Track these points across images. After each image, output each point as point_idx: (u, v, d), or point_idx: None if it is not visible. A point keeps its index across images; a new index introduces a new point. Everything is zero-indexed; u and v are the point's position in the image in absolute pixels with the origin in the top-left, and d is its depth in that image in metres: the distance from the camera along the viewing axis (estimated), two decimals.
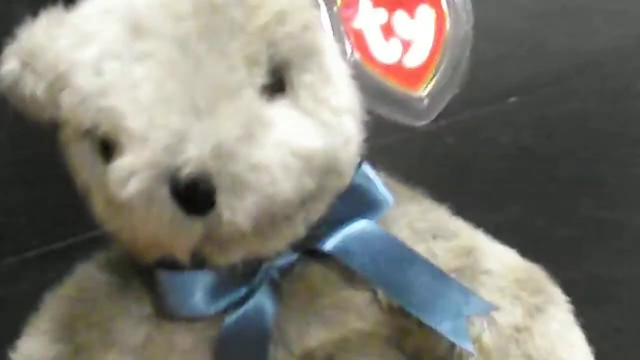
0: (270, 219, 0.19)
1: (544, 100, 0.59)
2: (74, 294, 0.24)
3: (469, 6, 0.23)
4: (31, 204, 0.53)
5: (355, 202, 0.22)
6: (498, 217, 0.45)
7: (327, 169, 0.20)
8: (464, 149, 0.49)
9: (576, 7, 0.69)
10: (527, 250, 0.25)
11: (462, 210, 0.25)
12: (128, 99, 0.19)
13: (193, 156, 0.18)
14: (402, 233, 0.24)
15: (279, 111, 0.20)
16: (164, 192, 0.18)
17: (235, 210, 0.18)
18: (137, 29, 0.20)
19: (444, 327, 0.22)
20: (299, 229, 0.21)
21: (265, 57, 0.20)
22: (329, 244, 0.22)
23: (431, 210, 0.25)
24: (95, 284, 0.24)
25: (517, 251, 0.25)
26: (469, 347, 0.22)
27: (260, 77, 0.19)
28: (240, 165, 0.18)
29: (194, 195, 0.18)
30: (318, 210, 0.21)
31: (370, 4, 0.22)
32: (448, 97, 0.23)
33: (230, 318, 0.21)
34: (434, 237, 0.24)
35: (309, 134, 0.20)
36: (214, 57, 0.19)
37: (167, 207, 0.18)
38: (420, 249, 0.23)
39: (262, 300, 0.21)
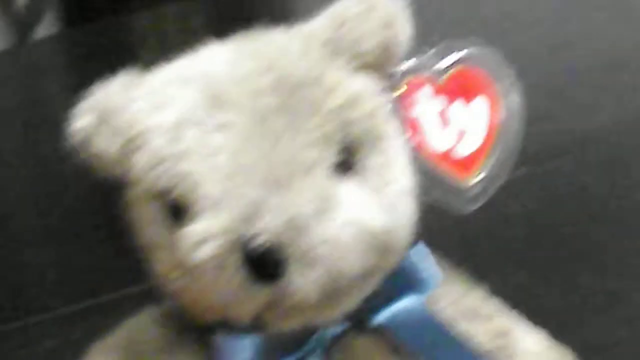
0: (334, 291, 0.20)
1: (552, 172, 0.61)
2: (124, 344, 0.25)
3: (520, 99, 0.24)
4: (60, 263, 0.54)
5: (407, 279, 0.23)
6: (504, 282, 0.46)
7: (387, 246, 0.21)
8: (474, 218, 0.50)
9: (583, 83, 0.72)
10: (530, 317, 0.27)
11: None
12: (206, 166, 0.20)
13: (268, 226, 0.19)
14: (444, 312, 0.25)
15: (348, 189, 0.21)
16: (237, 258, 0.19)
17: (305, 281, 0.19)
18: (217, 99, 0.21)
19: None
20: (356, 301, 0.22)
21: (338, 137, 0.21)
22: (379, 318, 0.23)
23: (471, 291, 0.26)
24: (146, 336, 0.24)
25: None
26: None
27: (333, 156, 0.21)
28: (312, 239, 0.19)
29: (266, 263, 0.19)
30: (373, 284, 0.22)
31: (430, 92, 0.24)
32: (497, 186, 0.24)
33: None
34: (473, 318, 0.25)
35: (375, 213, 0.21)
36: (290, 133, 0.20)
37: (237, 273, 0.19)
38: (459, 328, 0.24)
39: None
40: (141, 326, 0.25)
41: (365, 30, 0.22)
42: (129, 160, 0.22)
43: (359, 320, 0.23)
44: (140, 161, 0.21)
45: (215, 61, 0.23)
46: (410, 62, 0.24)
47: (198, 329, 0.23)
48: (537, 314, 0.27)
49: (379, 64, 0.23)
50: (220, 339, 0.22)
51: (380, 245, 0.21)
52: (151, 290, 0.24)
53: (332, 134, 0.21)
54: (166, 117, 0.21)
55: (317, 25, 0.23)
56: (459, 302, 0.25)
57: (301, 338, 0.22)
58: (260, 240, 0.19)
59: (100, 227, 0.52)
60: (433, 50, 0.24)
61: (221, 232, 0.19)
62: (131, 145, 0.22)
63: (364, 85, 0.22)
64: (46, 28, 1.08)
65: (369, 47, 0.22)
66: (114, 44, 0.87)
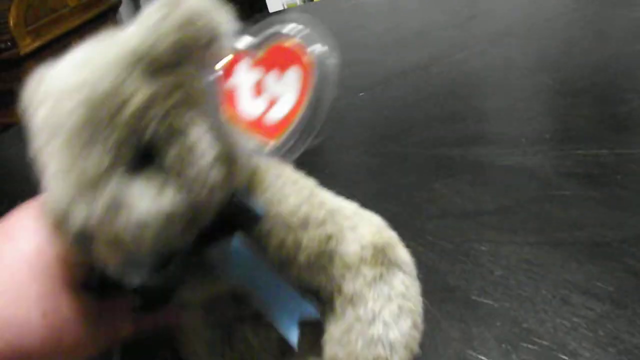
0: (137, 253, 0.25)
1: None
2: None
3: (335, 68, 0.26)
4: None
5: (235, 217, 0.28)
6: None
7: (193, 213, 0.26)
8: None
9: None
10: None
11: None
12: (48, 165, 0.25)
13: (74, 221, 0.24)
14: (277, 229, 0.29)
15: (142, 184, 0.25)
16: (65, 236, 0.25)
17: (105, 252, 0.25)
18: (53, 110, 0.25)
19: (279, 325, 0.29)
20: (188, 238, 0.26)
21: (132, 142, 0.24)
22: (210, 251, 0.28)
23: (308, 200, 0.30)
24: None
25: None
26: (294, 343, 0.29)
27: (128, 159, 0.24)
28: (103, 234, 0.24)
29: (79, 240, 0.25)
30: (204, 222, 0.26)
31: (248, 66, 0.25)
32: (305, 144, 0.26)
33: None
34: (306, 226, 0.29)
35: (170, 199, 0.25)
36: (91, 144, 0.24)
37: (70, 240, 0.25)
38: (289, 238, 0.29)
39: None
40: None
41: (159, 34, 0.24)
42: None
43: (197, 250, 0.27)
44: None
45: (64, 70, 0.26)
46: (230, 43, 0.25)
47: None
48: None
49: (184, 59, 0.25)
50: None
51: (181, 217, 0.25)
52: None
53: (124, 140, 0.24)
54: (37, 118, 0.26)
55: (127, 36, 0.25)
56: (291, 217, 0.29)
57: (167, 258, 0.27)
58: (71, 229, 0.24)
59: None
60: (253, 28, 0.25)
61: (49, 217, 0.25)
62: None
63: (158, 88, 0.24)
64: None
65: (162, 50, 0.24)
66: None
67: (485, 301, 0.39)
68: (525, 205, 0.47)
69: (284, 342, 0.31)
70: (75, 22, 2.52)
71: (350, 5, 1.28)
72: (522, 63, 0.75)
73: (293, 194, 0.30)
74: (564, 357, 0.34)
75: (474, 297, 0.39)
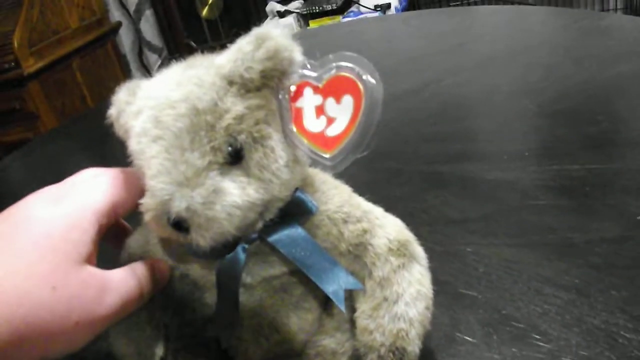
0: (221, 237, 0.31)
1: None
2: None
3: (381, 94, 0.32)
4: None
5: (296, 209, 0.34)
6: None
7: (271, 204, 0.33)
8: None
9: None
10: None
11: None
12: (149, 164, 0.31)
13: (174, 210, 0.30)
14: (322, 223, 0.36)
15: (233, 179, 0.31)
16: (165, 222, 0.31)
17: (198, 236, 0.31)
18: (156, 118, 0.31)
19: (328, 291, 0.34)
20: (258, 227, 0.33)
21: (225, 147, 0.31)
22: (274, 236, 0.34)
23: (348, 203, 0.37)
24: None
25: None
26: (342, 307, 0.34)
27: (221, 160, 0.31)
28: (201, 218, 0.30)
29: (178, 226, 0.30)
30: (271, 215, 0.33)
31: (311, 91, 0.32)
32: (354, 157, 0.33)
33: (223, 262, 0.34)
34: (345, 222, 0.36)
35: (253, 192, 0.31)
36: (192, 147, 0.30)
37: (168, 227, 0.31)
38: (333, 231, 0.36)
39: (238, 256, 0.34)
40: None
41: (252, 64, 0.31)
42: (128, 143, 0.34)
43: (262, 236, 0.34)
44: (129, 144, 0.33)
45: (161, 87, 0.32)
46: (300, 72, 0.32)
47: None
48: None
49: (267, 84, 0.32)
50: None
51: (259, 208, 0.32)
52: None
53: (220, 145, 0.31)
54: (137, 125, 0.32)
55: (222, 61, 0.32)
56: (335, 214, 0.36)
57: (233, 245, 0.33)
58: (171, 216, 0.30)
59: None
60: (316, 63, 0.32)
61: (151, 208, 0.31)
62: (125, 135, 0.34)
63: (249, 105, 0.31)
64: None
65: (254, 76, 0.31)
66: None
67: (470, 293, 0.45)
68: (505, 213, 0.54)
69: (319, 323, 0.38)
70: (77, 43, 2.58)
71: (345, 32, 1.36)
72: (506, 87, 0.83)
73: (336, 196, 0.36)
74: (536, 336, 0.40)
75: (460, 290, 0.46)
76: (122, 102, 0.35)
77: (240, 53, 0.31)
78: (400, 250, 0.36)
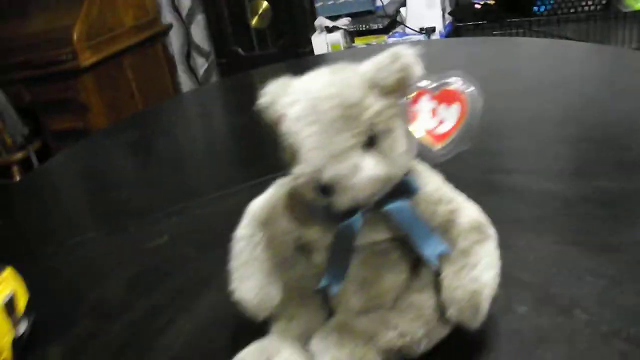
0: (361, 200, 0.42)
1: None
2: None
3: (481, 104, 0.43)
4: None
5: (403, 188, 0.44)
6: None
7: (390, 181, 0.43)
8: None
9: None
10: None
11: None
12: (304, 141, 0.40)
13: (326, 177, 0.39)
14: (422, 201, 0.46)
15: (370, 158, 0.41)
16: (315, 186, 0.40)
17: (342, 198, 0.40)
18: (312, 108, 0.40)
19: (425, 252, 0.45)
20: (375, 199, 0.43)
21: (366, 133, 0.40)
22: (388, 206, 0.44)
23: (440, 189, 0.47)
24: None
25: None
26: (434, 264, 0.45)
27: (363, 142, 0.40)
28: (346, 184, 0.40)
29: (326, 190, 0.40)
30: (384, 191, 0.43)
31: (428, 98, 0.42)
32: (458, 150, 0.43)
33: (342, 224, 0.44)
34: (438, 203, 0.46)
35: (382, 168, 0.41)
36: (342, 131, 0.40)
37: (315, 191, 0.40)
38: (429, 209, 0.46)
39: (356, 220, 0.43)
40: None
41: (389, 73, 0.40)
42: (278, 125, 0.43)
43: (377, 206, 0.44)
44: (281, 128, 0.43)
45: (316, 84, 0.42)
46: (420, 83, 0.42)
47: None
48: None
49: (398, 89, 0.41)
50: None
51: (384, 182, 0.42)
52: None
53: (363, 132, 0.40)
54: (293, 112, 0.41)
55: (366, 69, 0.42)
56: (430, 196, 0.46)
57: (353, 211, 0.43)
58: (323, 182, 0.39)
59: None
60: (432, 77, 0.43)
61: (305, 174, 0.40)
62: (279, 119, 0.43)
63: (385, 104, 0.41)
64: None
65: (390, 83, 0.41)
66: None
67: (522, 276, 0.55)
68: (551, 217, 0.64)
69: (407, 283, 0.48)
70: (130, 41, 2.70)
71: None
72: (551, 113, 0.93)
73: (432, 182, 0.46)
74: (577, 310, 0.50)
75: (514, 275, 0.56)
76: (275, 94, 0.44)
77: (381, 65, 0.41)
78: (479, 229, 0.46)
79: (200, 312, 0.60)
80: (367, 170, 0.40)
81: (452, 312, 0.45)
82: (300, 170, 0.41)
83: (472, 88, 0.41)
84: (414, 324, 0.46)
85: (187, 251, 0.73)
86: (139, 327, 0.60)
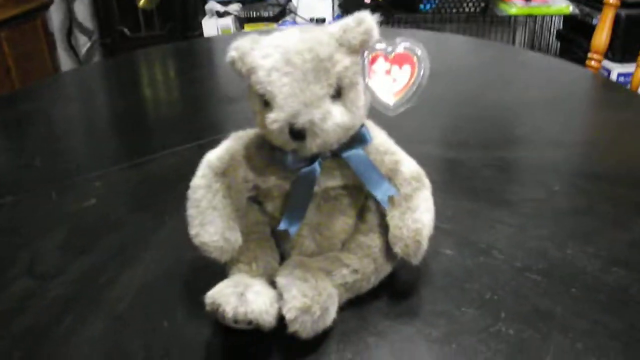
0: (324, 146, 0.47)
1: None
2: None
3: (428, 65, 0.49)
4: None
5: (359, 138, 0.50)
6: None
7: (350, 130, 0.48)
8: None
9: None
10: None
11: None
12: (279, 90, 0.44)
13: (300, 121, 0.44)
14: (372, 151, 0.52)
15: (336, 108, 0.47)
16: (287, 131, 0.45)
17: (311, 143, 0.45)
18: (287, 60, 0.45)
19: (378, 195, 0.50)
20: (335, 147, 0.49)
21: (335, 84, 0.46)
22: (344, 154, 0.50)
23: (387, 141, 0.54)
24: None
25: None
26: (385, 205, 0.51)
27: (332, 92, 0.46)
28: (317, 128, 0.45)
29: (298, 134, 0.45)
30: (343, 140, 0.49)
31: (383, 59, 0.48)
32: (409, 105, 0.49)
33: (303, 170, 0.49)
34: (385, 153, 0.52)
35: (347, 117, 0.47)
36: (314, 82, 0.44)
37: (286, 136, 0.45)
38: (377, 158, 0.52)
39: (316, 167, 0.49)
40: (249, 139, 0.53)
41: (355, 34, 0.46)
42: (249, 77, 0.47)
43: (335, 153, 0.50)
44: (252, 79, 0.47)
45: (288, 40, 0.46)
46: (376, 46, 0.48)
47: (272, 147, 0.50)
48: None
49: (359, 49, 0.47)
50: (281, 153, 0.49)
51: (347, 130, 0.48)
52: None
53: (332, 83, 0.45)
54: (266, 63, 0.45)
55: (335, 29, 0.46)
56: (380, 147, 0.52)
57: (314, 157, 0.49)
58: (296, 126, 0.44)
59: None
60: (387, 41, 0.48)
61: (280, 120, 0.44)
62: (250, 71, 0.47)
63: (350, 60, 0.46)
64: None
65: (356, 43, 0.46)
66: None
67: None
68: (458, 180, 0.73)
69: (355, 227, 0.54)
70: (6, 14, 2.54)
71: None
72: (450, 95, 1.03)
73: (380, 135, 0.53)
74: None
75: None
76: (246, 47, 0.47)
77: (347, 27, 0.47)
78: (418, 178, 0.53)
79: (147, 267, 0.61)
80: (336, 117, 0.46)
81: (398, 248, 0.51)
82: (276, 116, 0.45)
83: (421, 52, 0.47)
84: (363, 262, 0.52)
85: (118, 213, 0.74)
86: (82, 284, 0.60)
